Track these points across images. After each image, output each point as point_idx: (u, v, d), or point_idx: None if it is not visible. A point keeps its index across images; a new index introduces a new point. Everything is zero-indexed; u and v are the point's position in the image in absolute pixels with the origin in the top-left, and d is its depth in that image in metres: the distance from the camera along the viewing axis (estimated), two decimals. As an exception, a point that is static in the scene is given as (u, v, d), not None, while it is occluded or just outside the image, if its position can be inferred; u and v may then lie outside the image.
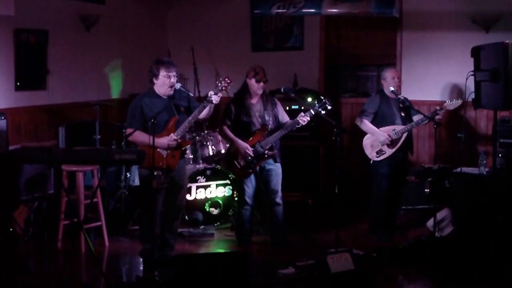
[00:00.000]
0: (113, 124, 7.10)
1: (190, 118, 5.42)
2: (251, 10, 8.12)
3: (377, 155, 6.28)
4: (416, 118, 6.27)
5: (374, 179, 6.39)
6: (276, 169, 6.13)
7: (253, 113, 6.07)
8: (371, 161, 6.35)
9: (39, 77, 6.82)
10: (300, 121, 5.88)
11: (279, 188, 6.17)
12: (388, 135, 6.18)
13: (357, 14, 7.28)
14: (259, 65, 6.09)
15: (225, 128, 6.09)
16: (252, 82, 6.01)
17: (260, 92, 6.06)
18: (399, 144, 6.22)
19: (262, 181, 6.15)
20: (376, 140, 6.28)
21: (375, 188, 6.40)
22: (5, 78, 6.41)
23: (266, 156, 6.04)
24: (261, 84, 6.01)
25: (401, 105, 6.29)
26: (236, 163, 6.06)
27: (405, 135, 6.21)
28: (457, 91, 7.29)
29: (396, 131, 6.18)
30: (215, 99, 5.41)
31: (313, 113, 5.85)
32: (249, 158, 6.00)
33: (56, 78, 6.99)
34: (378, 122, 6.30)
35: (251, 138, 6.04)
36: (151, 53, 8.03)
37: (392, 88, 6.23)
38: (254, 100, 6.10)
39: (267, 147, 6.02)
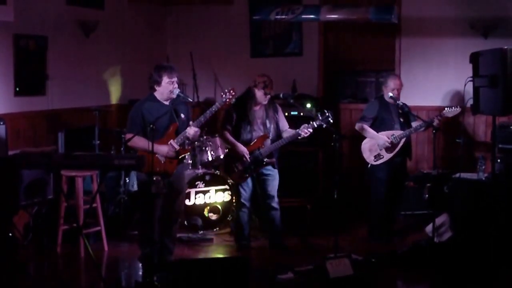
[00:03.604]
0: (112, 130, 7.12)
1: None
2: (250, 15, 8.15)
3: (375, 159, 6.30)
4: (414, 124, 6.30)
5: (372, 183, 6.42)
6: (273, 174, 6.14)
7: (255, 120, 6.06)
8: (369, 165, 6.37)
9: (39, 83, 6.84)
10: (302, 132, 5.87)
11: (275, 193, 6.18)
12: (387, 137, 6.21)
13: (356, 20, 7.30)
14: (268, 75, 6.02)
15: (226, 132, 6.10)
16: (260, 93, 5.97)
17: (265, 102, 6.05)
18: (397, 149, 6.24)
19: (259, 185, 6.17)
20: (374, 144, 6.30)
21: (373, 193, 6.42)
22: (4, 84, 6.42)
23: (264, 163, 6.05)
24: (268, 96, 6.01)
25: (400, 111, 6.32)
26: (234, 167, 6.08)
27: (403, 140, 6.23)
28: (455, 96, 7.31)
29: (394, 136, 6.20)
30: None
31: (315, 126, 5.86)
32: (247, 163, 6.01)
33: (56, 84, 7.00)
34: (377, 127, 6.31)
35: (251, 144, 6.04)
36: (150, 58, 8.04)
37: (391, 94, 6.26)
38: (257, 107, 6.09)
39: (266, 155, 6.04)
